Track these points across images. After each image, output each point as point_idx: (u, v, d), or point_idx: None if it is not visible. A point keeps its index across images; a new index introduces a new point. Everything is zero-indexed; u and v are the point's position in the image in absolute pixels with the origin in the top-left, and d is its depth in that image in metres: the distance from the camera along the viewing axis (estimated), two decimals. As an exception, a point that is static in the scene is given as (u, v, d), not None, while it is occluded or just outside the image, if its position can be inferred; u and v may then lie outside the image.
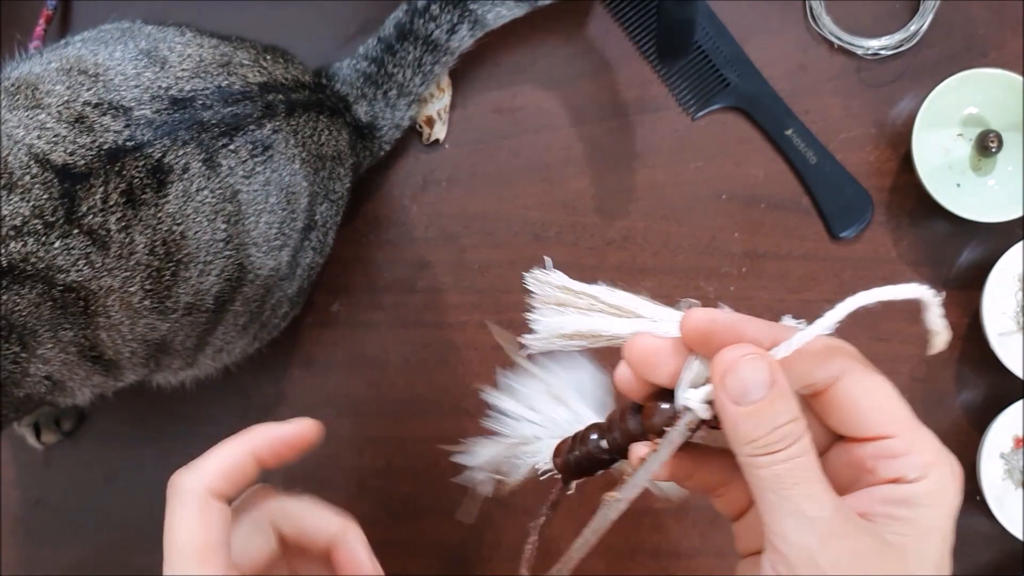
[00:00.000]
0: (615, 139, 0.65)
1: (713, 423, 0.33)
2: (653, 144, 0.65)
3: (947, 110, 0.61)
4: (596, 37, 0.66)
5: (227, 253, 0.52)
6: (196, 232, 0.51)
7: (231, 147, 0.51)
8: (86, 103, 0.49)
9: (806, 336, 0.31)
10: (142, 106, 0.49)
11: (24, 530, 0.69)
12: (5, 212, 0.46)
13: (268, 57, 0.56)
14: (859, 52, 0.63)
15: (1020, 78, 0.59)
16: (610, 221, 0.65)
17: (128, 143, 0.48)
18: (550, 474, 0.39)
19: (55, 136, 0.48)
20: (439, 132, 0.66)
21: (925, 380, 0.63)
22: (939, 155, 0.62)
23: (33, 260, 0.46)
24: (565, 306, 0.36)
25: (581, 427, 0.38)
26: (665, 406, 0.34)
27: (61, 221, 0.47)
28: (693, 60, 0.64)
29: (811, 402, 0.34)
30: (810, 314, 0.32)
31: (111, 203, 0.48)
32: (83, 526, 0.69)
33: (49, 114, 0.48)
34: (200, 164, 0.50)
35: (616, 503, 0.34)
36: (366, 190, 0.66)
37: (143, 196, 0.49)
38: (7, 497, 0.69)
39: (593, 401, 0.40)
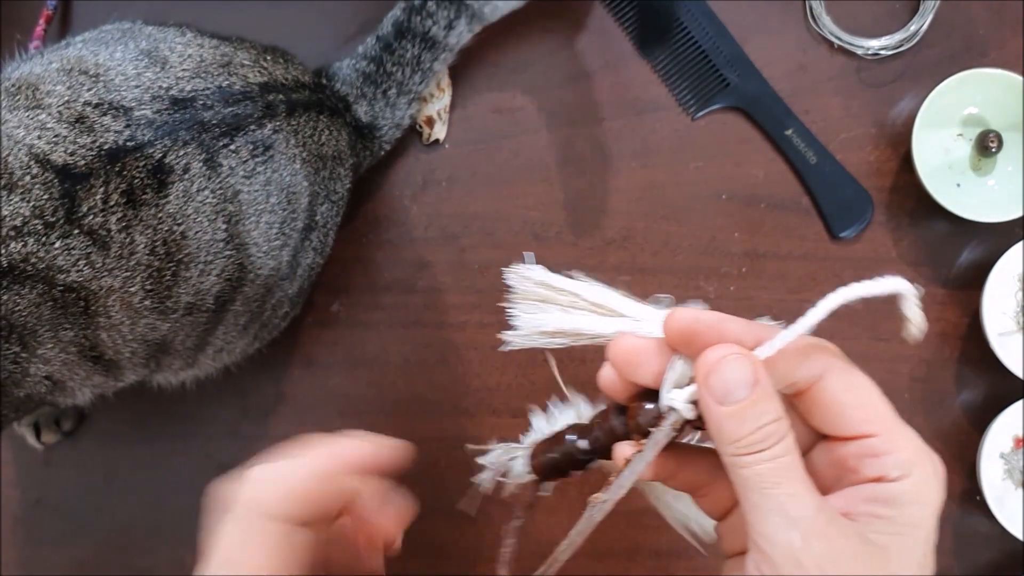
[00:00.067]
0: (615, 139, 0.65)
1: (698, 423, 0.33)
2: (653, 144, 0.65)
3: (947, 110, 0.61)
4: (596, 37, 0.66)
5: (228, 253, 0.52)
6: (197, 232, 0.51)
7: (232, 147, 0.51)
8: (87, 103, 0.49)
9: (789, 335, 0.31)
10: (143, 106, 0.49)
11: (24, 530, 0.69)
12: (5, 212, 0.46)
13: (268, 57, 0.56)
14: (859, 52, 0.63)
15: (1020, 78, 0.59)
16: (610, 221, 0.65)
17: (129, 143, 0.48)
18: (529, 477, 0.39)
19: (55, 136, 0.48)
20: (439, 132, 0.66)
21: (925, 380, 0.63)
22: (939, 155, 0.62)
23: (33, 260, 0.46)
24: (547, 302, 0.36)
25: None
26: (649, 406, 0.33)
27: (61, 221, 0.47)
28: (693, 60, 0.64)
29: (794, 401, 0.34)
30: (809, 315, 0.32)
31: (112, 203, 0.48)
32: (83, 526, 0.69)
33: (50, 114, 0.48)
34: (201, 164, 0.50)
35: (602, 504, 0.34)
36: (366, 190, 0.66)
37: (144, 196, 0.49)
38: (7, 497, 0.69)
39: None
